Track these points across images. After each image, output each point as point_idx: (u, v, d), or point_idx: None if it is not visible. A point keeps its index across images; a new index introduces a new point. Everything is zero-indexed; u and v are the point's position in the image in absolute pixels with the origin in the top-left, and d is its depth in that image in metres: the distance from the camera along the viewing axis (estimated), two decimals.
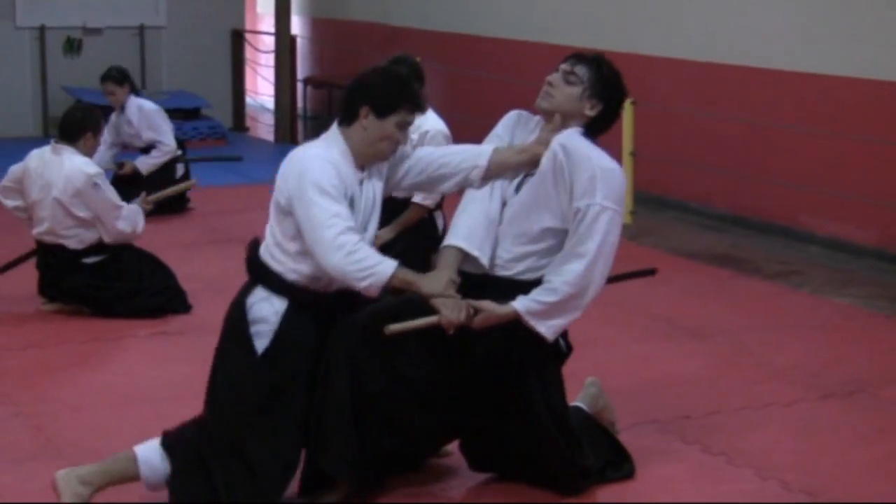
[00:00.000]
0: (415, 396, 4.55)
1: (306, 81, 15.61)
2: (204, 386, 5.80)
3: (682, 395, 5.82)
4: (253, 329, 4.51)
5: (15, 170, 7.12)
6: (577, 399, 5.00)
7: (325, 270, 4.40)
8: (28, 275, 7.16)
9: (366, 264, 4.37)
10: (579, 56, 4.63)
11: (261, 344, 4.50)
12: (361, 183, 4.53)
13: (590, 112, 4.58)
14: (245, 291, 4.63)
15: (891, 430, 5.44)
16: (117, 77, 9.66)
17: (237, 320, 4.58)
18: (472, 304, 4.44)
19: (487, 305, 4.44)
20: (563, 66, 4.60)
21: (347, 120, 4.52)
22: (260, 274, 4.62)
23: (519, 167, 4.65)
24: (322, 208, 4.35)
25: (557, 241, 4.54)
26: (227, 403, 4.55)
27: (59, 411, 5.53)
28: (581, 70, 4.56)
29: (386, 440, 4.54)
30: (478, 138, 4.95)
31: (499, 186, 4.65)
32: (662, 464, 4.97)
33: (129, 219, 7.00)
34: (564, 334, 4.73)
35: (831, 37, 9.01)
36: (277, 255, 4.58)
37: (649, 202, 10.18)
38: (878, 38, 8.66)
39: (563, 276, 4.43)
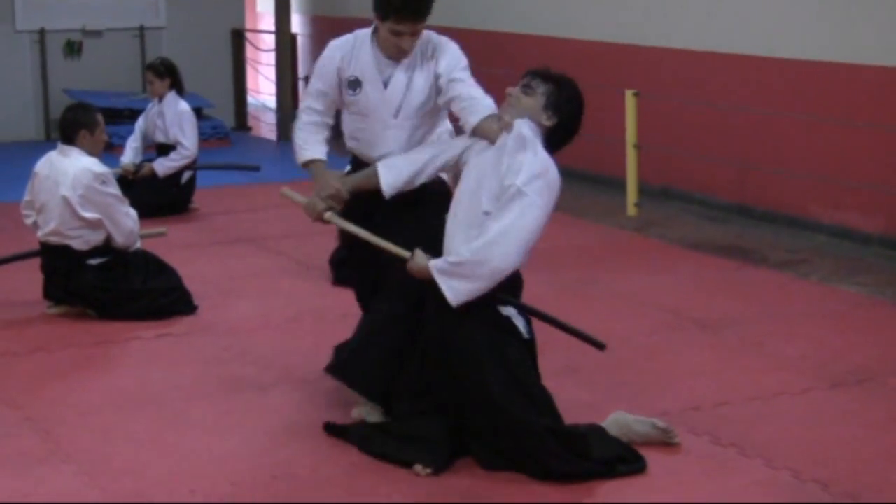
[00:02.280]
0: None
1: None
2: (211, 386, 5.82)
3: (690, 387, 5.80)
4: None
5: (29, 183, 7.16)
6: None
7: None
8: (33, 280, 7.15)
9: (298, 142, 5.47)
10: (536, 71, 4.99)
11: None
12: (388, 69, 5.25)
13: (546, 122, 4.89)
14: None
15: None
16: (158, 69, 9.77)
17: None
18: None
19: (417, 254, 4.88)
20: (522, 81, 4.96)
21: (377, 18, 5.21)
22: None
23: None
24: (310, 84, 5.50)
25: None
26: None
27: (67, 415, 5.52)
28: (537, 83, 4.92)
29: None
30: None
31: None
32: (673, 456, 4.96)
33: (134, 217, 7.02)
34: (528, 321, 4.96)
35: (834, 24, 8.98)
36: None
37: (654, 194, 10.16)
38: (883, 24, 8.63)
39: (469, 246, 4.76)
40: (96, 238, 6.94)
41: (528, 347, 4.96)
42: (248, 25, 15.76)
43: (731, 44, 9.80)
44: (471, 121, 5.05)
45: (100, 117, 7.11)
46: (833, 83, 8.99)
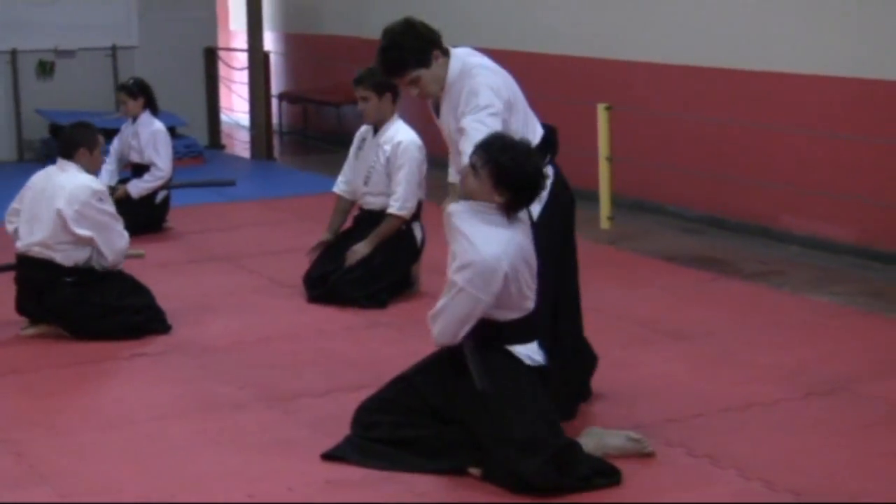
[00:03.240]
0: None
1: (281, 97, 15.60)
2: (186, 405, 5.82)
3: (665, 399, 5.82)
4: None
5: (21, 192, 7.19)
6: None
7: None
8: (5, 300, 7.13)
9: None
10: (482, 146, 4.93)
11: None
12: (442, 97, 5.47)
13: (499, 199, 4.89)
14: None
15: (873, 427, 5.45)
16: (131, 88, 9.72)
17: None
18: None
19: None
20: (471, 159, 4.94)
21: None
22: None
23: None
24: None
25: None
26: None
27: (42, 436, 5.50)
28: (481, 163, 4.88)
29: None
30: None
31: None
32: (647, 468, 4.97)
33: (126, 237, 7.07)
34: (545, 349, 5.05)
35: (805, 36, 9.04)
36: None
37: (627, 206, 10.19)
38: (852, 35, 8.69)
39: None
40: (80, 255, 6.93)
41: (539, 372, 5.01)
42: (221, 44, 15.75)
43: (702, 56, 9.85)
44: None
45: (100, 137, 7.20)
46: (805, 95, 9.04)
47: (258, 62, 13.69)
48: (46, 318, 7.00)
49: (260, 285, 8.13)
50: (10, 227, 7.16)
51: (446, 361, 5.04)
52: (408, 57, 5.37)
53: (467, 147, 5.09)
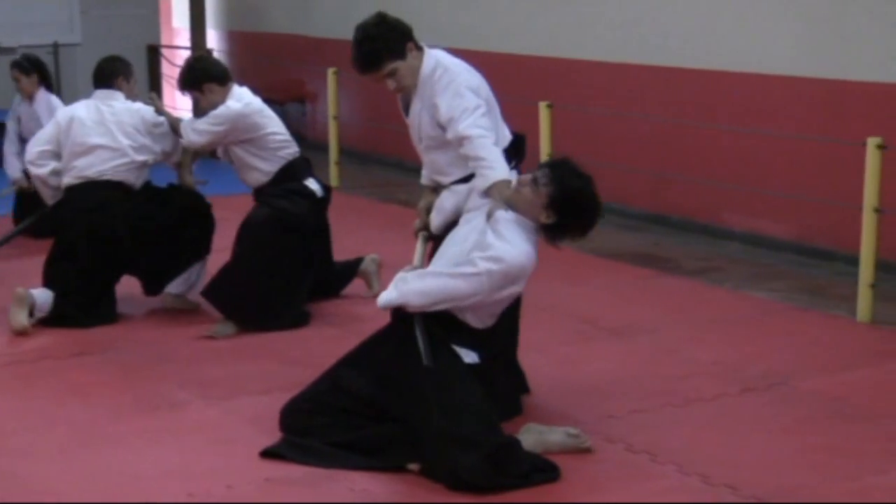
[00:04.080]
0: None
1: None
2: (126, 404, 5.79)
3: (605, 395, 5.86)
4: None
5: (47, 131, 7.24)
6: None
7: None
8: None
9: None
10: (552, 164, 5.06)
11: None
12: (414, 96, 5.52)
13: (545, 220, 4.98)
14: None
15: (811, 422, 5.51)
16: (24, 65, 9.36)
17: None
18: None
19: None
20: (536, 171, 5.02)
21: None
22: None
23: None
24: None
25: None
26: None
27: None
28: (546, 180, 4.97)
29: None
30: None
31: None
32: (586, 464, 5.00)
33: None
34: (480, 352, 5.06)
35: (746, 34, 9.11)
36: None
37: None
38: (789, 34, 8.77)
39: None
40: (145, 177, 7.25)
41: (476, 370, 5.03)
42: (164, 41, 15.68)
43: (643, 54, 9.91)
44: (478, 184, 5.23)
45: (133, 69, 7.45)
46: (746, 93, 9.11)
47: None
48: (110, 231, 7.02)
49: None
50: (42, 171, 7.19)
51: (385, 345, 5.06)
52: (382, 48, 5.41)
53: (481, 151, 5.18)
